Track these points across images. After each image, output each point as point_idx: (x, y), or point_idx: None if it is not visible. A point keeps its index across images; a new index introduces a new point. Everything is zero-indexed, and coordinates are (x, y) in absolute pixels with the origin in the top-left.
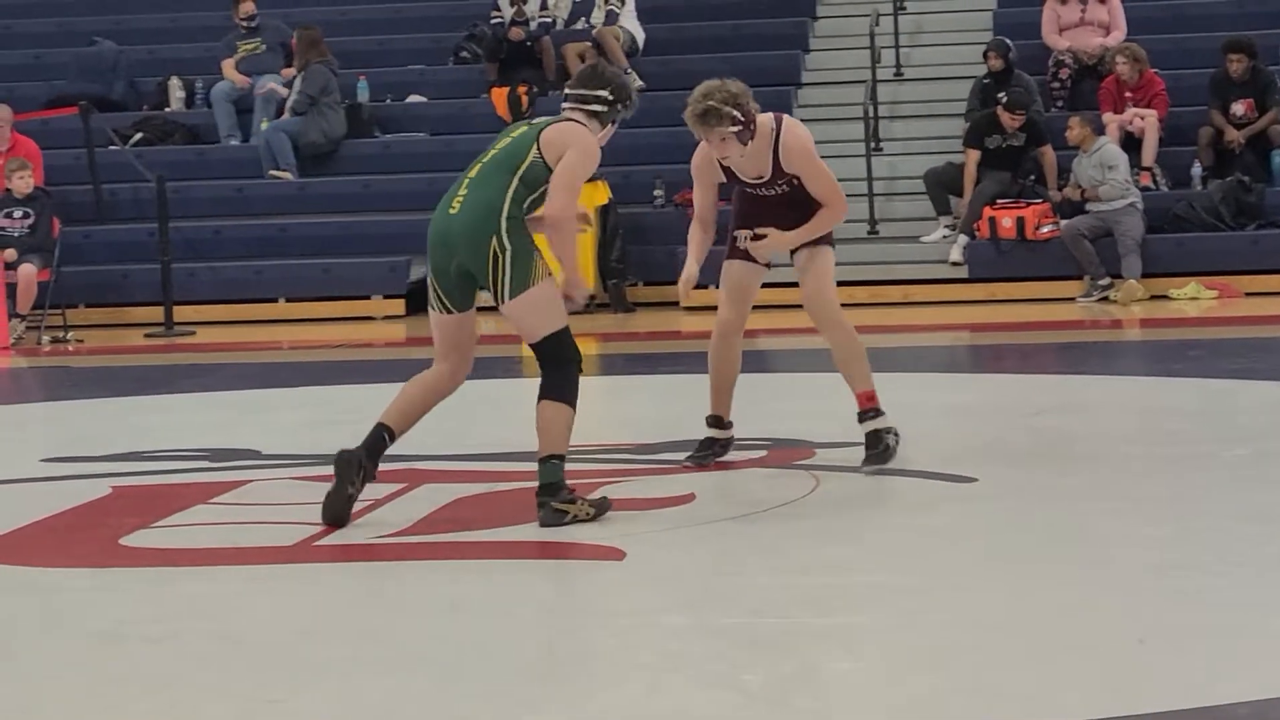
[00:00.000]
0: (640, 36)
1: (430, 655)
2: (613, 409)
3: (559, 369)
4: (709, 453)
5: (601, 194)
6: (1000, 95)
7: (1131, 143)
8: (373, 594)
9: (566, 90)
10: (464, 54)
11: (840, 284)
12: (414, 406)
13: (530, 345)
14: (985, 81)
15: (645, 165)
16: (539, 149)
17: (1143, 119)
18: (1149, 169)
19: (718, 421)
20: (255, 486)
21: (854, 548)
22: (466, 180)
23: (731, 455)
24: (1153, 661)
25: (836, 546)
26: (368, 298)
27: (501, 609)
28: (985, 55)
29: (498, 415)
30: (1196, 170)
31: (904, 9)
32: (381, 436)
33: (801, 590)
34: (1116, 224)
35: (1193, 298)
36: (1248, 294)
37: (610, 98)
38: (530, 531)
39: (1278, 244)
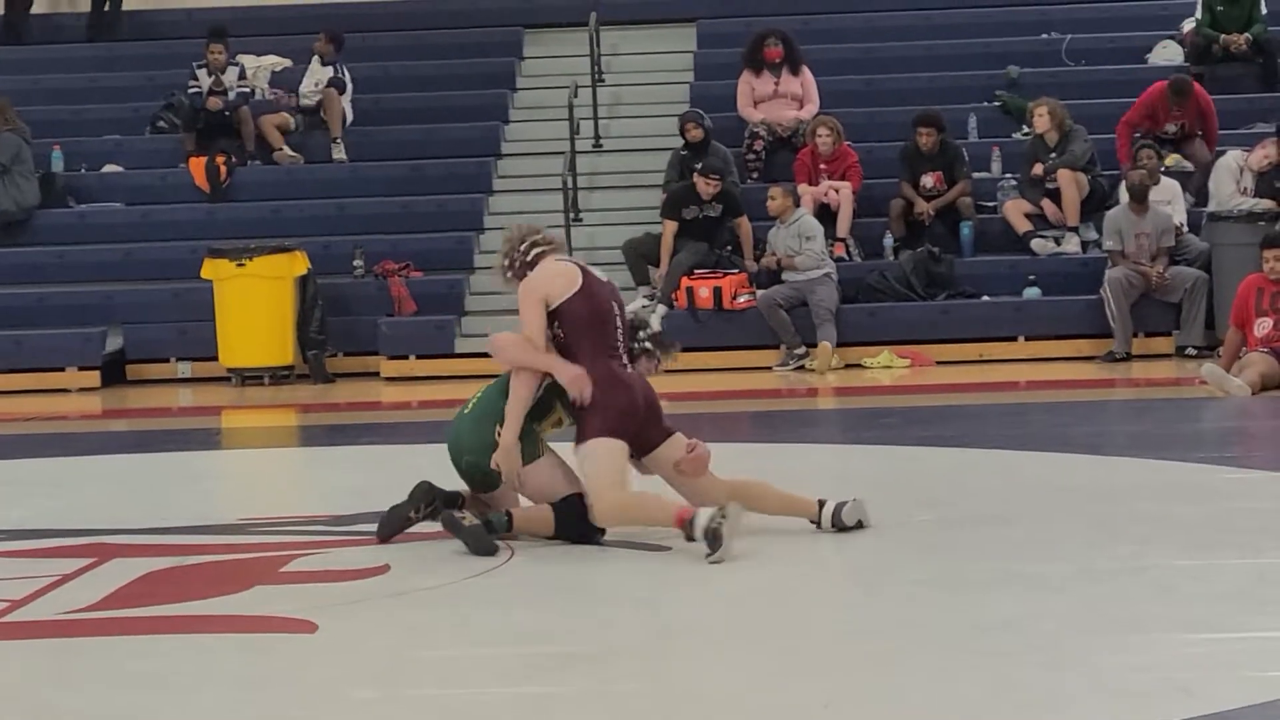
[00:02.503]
0: (349, 116)
1: None
2: (311, 480)
3: (569, 522)
4: None
5: (300, 264)
6: (697, 164)
7: (825, 214)
8: (58, 671)
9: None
10: (161, 124)
11: None
12: None
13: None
14: (683, 153)
15: (345, 236)
16: None
17: (837, 191)
18: (843, 240)
19: None
20: None
21: (546, 618)
22: (486, 385)
23: (428, 526)
24: None
25: (529, 617)
26: (62, 369)
27: (190, 683)
28: (683, 127)
29: (192, 489)
30: (888, 241)
31: (602, 81)
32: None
33: (491, 661)
34: (811, 294)
35: (886, 366)
36: (939, 362)
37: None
38: (221, 605)
39: (967, 313)
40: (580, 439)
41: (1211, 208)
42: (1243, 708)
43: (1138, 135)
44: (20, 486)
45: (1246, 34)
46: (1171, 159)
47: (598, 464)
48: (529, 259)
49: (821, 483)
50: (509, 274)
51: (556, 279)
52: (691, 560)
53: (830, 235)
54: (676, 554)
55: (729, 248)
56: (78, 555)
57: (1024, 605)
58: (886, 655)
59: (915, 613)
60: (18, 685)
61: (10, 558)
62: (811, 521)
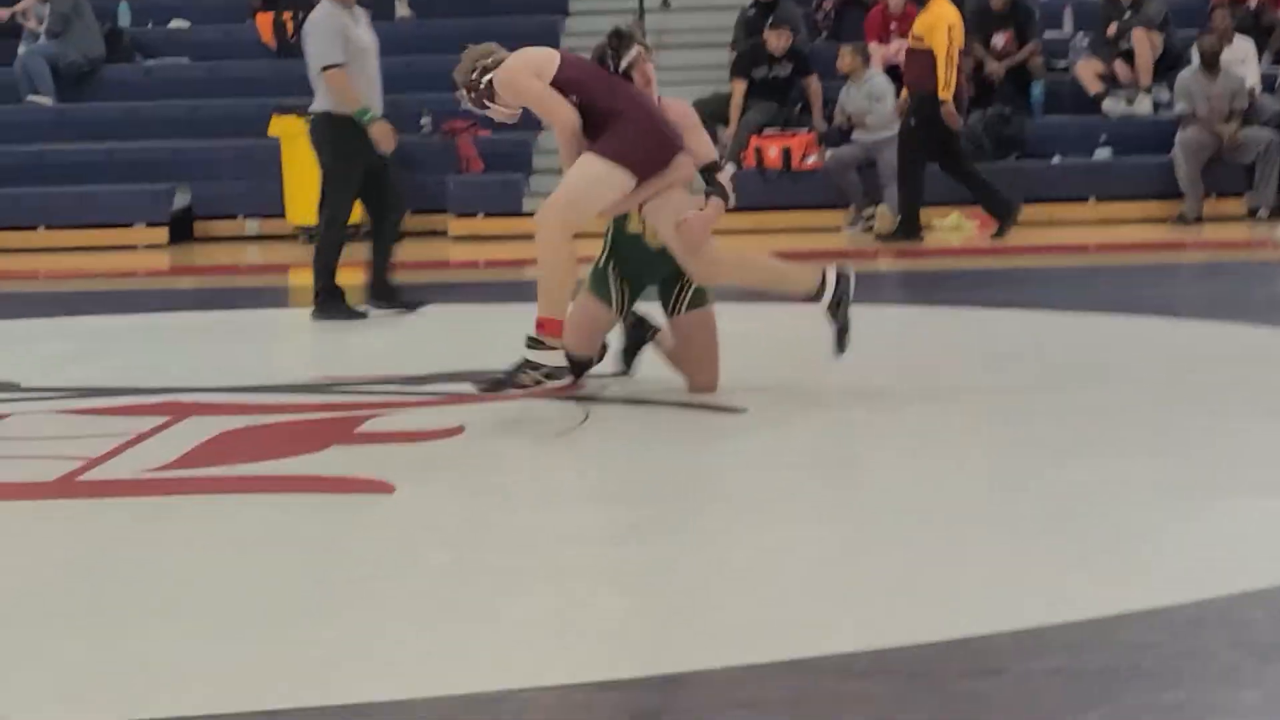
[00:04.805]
0: None
1: (193, 593)
2: (380, 339)
3: None
4: None
5: None
6: (766, 23)
7: (895, 74)
8: (136, 530)
9: None
10: None
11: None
12: None
13: None
14: (750, 12)
15: (412, 93)
16: None
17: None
18: None
19: None
20: (15, 420)
21: (623, 481)
22: None
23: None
24: (918, 593)
25: (606, 479)
26: (130, 225)
27: (266, 545)
28: None
29: (262, 347)
30: None
31: None
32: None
33: (571, 524)
34: (880, 154)
35: (955, 228)
36: None
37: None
38: (297, 465)
39: (1038, 174)
40: (600, 151)
41: None
42: None
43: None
44: (91, 344)
45: None
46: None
47: (596, 184)
48: (482, 85)
49: (894, 345)
50: (470, 101)
51: (533, 60)
52: (769, 425)
53: (899, 96)
54: (750, 417)
55: (798, 107)
56: (152, 413)
57: (1096, 472)
58: (965, 522)
59: (992, 479)
60: (98, 542)
61: (85, 415)
62: (809, 299)
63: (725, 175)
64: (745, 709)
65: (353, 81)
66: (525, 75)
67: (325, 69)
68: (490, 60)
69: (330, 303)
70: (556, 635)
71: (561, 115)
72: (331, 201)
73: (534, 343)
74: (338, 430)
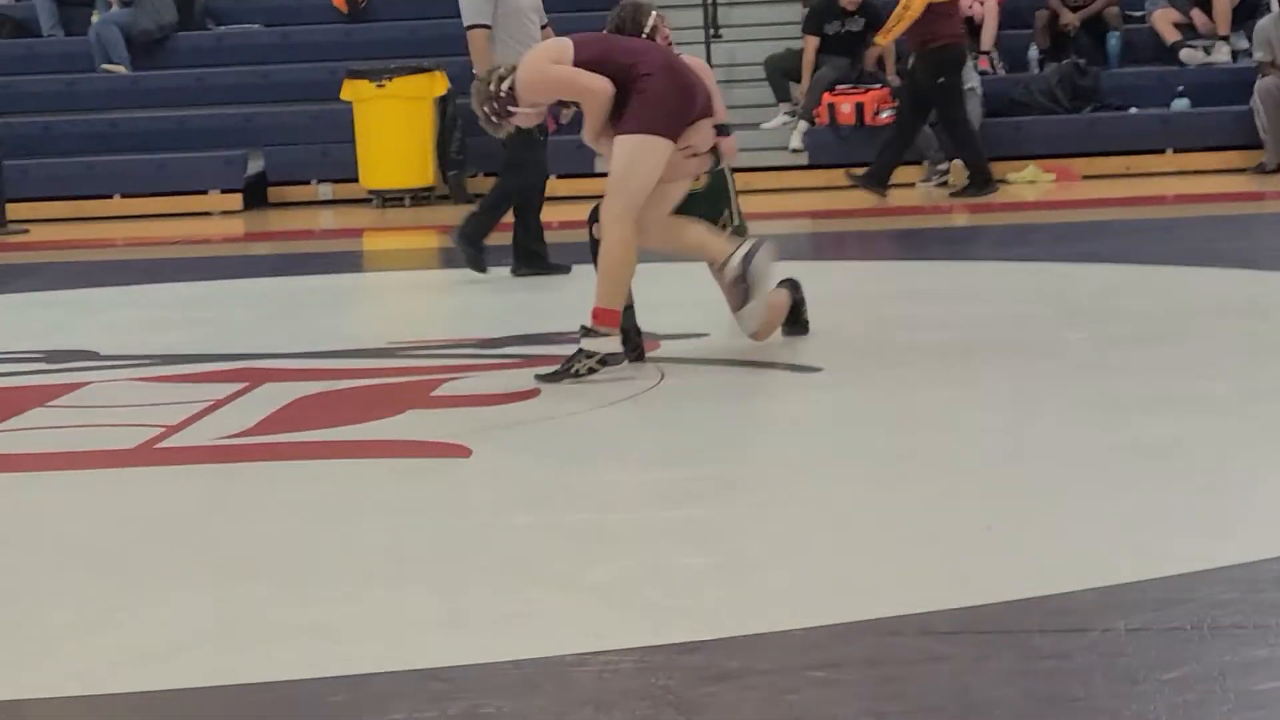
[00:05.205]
0: None
1: (272, 559)
2: (455, 303)
3: None
4: None
5: (440, 84)
6: None
7: (970, 27)
8: (215, 497)
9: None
10: None
11: None
12: None
13: None
14: None
15: None
16: None
17: (982, 4)
18: (987, 53)
19: None
20: (94, 388)
21: (701, 440)
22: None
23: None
24: (1000, 550)
25: (683, 439)
26: (204, 192)
27: (344, 510)
28: None
29: (337, 312)
30: (1033, 54)
31: None
32: None
33: (649, 485)
34: None
35: (1031, 181)
36: (1085, 177)
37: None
38: (374, 430)
39: (1114, 126)
40: (627, 129)
41: None
42: None
43: None
44: (167, 311)
45: None
46: None
47: (637, 162)
48: (503, 94)
49: (971, 300)
50: (496, 119)
51: (550, 51)
52: (844, 383)
53: (974, 49)
54: (828, 375)
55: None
56: (228, 380)
57: (1184, 427)
58: (1047, 479)
59: (1074, 435)
60: (178, 509)
61: (162, 382)
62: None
63: (730, 140)
64: (825, 669)
65: (502, 44)
66: (548, 64)
67: (469, 28)
68: (503, 70)
69: (475, 245)
70: (636, 596)
71: (595, 86)
72: (523, 163)
73: (588, 331)
74: (413, 394)
